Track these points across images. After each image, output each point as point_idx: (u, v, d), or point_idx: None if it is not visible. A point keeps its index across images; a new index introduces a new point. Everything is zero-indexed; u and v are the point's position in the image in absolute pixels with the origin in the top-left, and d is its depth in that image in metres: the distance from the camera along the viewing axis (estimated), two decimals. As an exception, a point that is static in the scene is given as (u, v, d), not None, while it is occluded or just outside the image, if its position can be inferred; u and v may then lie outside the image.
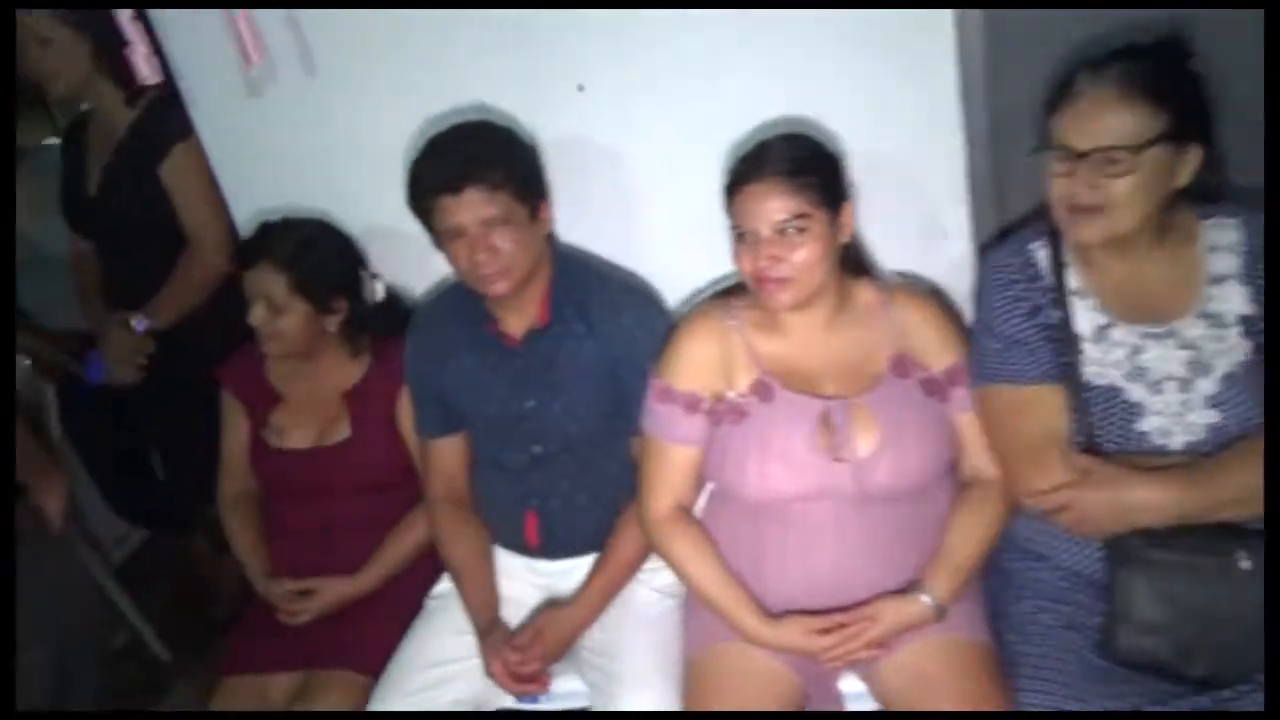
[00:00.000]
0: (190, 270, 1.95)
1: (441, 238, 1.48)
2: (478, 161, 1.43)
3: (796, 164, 1.34)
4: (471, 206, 1.43)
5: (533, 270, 1.51)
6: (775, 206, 1.33)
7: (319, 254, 1.68)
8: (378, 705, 1.51)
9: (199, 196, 1.90)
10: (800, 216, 1.33)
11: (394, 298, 1.82)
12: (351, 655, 1.63)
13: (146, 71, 1.83)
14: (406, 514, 1.75)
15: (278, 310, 1.64)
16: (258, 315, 1.64)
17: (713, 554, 1.43)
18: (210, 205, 1.89)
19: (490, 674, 1.50)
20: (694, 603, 1.52)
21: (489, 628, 1.53)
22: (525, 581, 1.63)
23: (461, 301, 1.62)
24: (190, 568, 2.61)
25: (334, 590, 1.68)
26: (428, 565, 1.73)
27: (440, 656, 1.55)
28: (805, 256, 1.34)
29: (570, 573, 1.61)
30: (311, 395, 1.76)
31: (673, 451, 1.45)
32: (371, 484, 1.73)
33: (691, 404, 1.42)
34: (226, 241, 1.92)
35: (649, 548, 1.55)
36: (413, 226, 1.77)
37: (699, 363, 1.43)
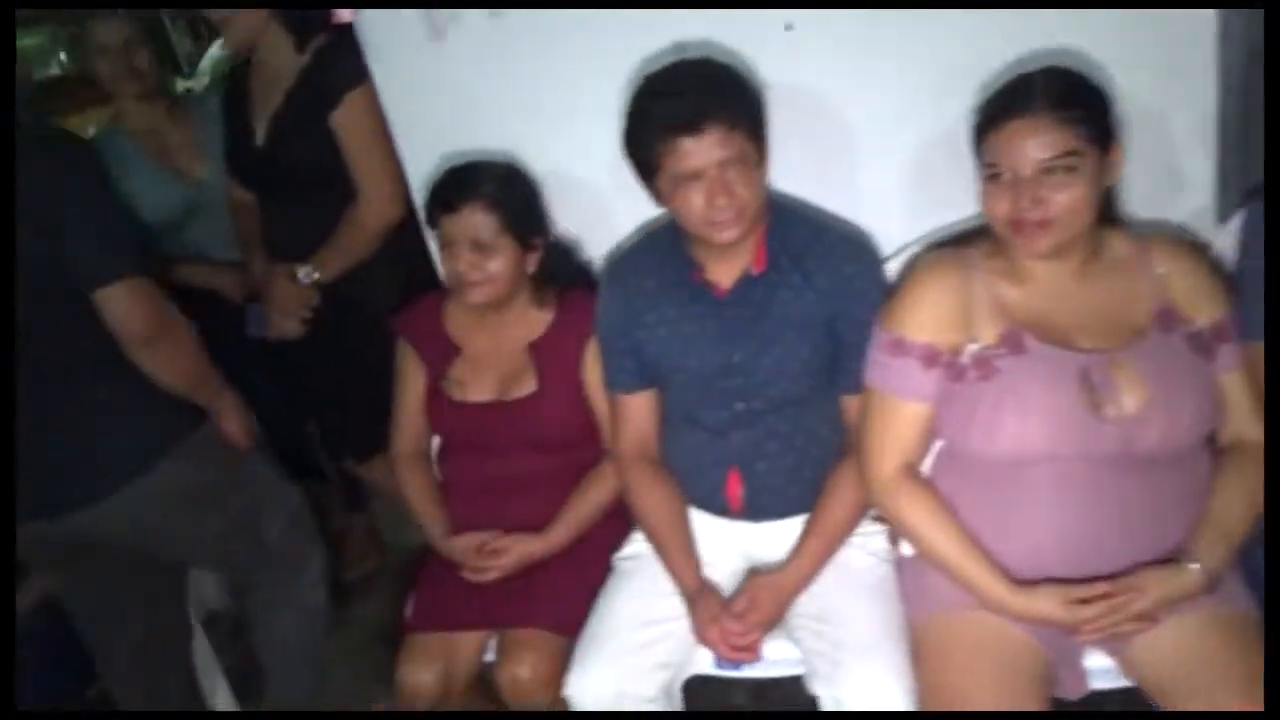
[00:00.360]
0: (361, 221, 1.90)
1: (671, 182, 1.40)
2: (716, 99, 1.35)
3: (1066, 97, 1.24)
4: (712, 147, 1.35)
5: (757, 217, 1.43)
6: (1042, 143, 1.23)
7: (521, 191, 1.63)
8: (580, 667, 1.45)
9: (372, 145, 1.85)
10: (1069, 154, 1.23)
11: (571, 248, 1.76)
12: (545, 614, 1.57)
13: (345, 12, 1.79)
14: (588, 472, 1.69)
15: (487, 253, 1.58)
16: (465, 259, 1.58)
17: (950, 517, 1.34)
18: (384, 154, 1.84)
19: (704, 640, 1.44)
20: (914, 568, 1.45)
21: (698, 592, 1.46)
22: (722, 544, 1.56)
23: (662, 249, 1.55)
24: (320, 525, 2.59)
25: (522, 548, 1.62)
26: (612, 525, 1.69)
27: (644, 618, 1.49)
28: (1071, 199, 1.24)
29: (771, 536, 1.54)
30: (494, 348, 1.70)
31: (904, 408, 1.37)
32: (554, 440, 1.68)
33: (929, 357, 1.34)
34: (399, 192, 1.87)
35: (864, 510, 1.48)
36: (593, 175, 1.72)
37: (937, 313, 1.34)
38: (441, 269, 1.65)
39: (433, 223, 1.64)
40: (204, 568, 1.72)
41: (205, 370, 1.59)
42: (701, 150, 1.35)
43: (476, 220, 1.57)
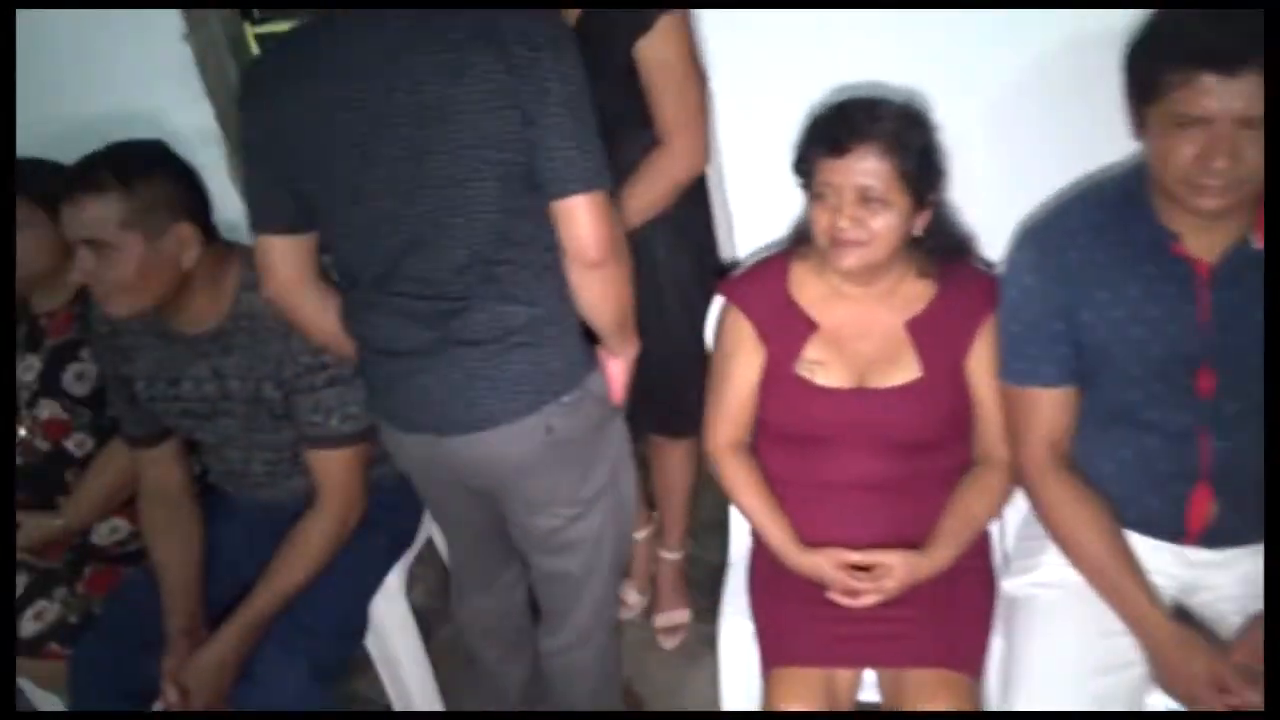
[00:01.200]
0: (667, 171, 1.59)
1: (1165, 120, 1.12)
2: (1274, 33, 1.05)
3: None
4: (1239, 96, 1.06)
5: (1254, 188, 1.14)
6: None
7: (923, 135, 1.34)
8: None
9: (687, 82, 1.55)
10: None
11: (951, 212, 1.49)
12: (951, 653, 1.30)
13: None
14: (957, 478, 1.42)
15: (873, 207, 1.30)
16: (848, 214, 1.30)
17: None
18: (700, 93, 1.55)
19: (1190, 699, 1.17)
20: None
21: (1176, 639, 1.20)
22: (1161, 574, 1.29)
23: (1115, 213, 1.26)
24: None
25: (909, 568, 1.34)
26: (982, 542, 1.44)
27: (1095, 666, 1.22)
28: None
29: (1225, 566, 1.28)
30: (859, 324, 1.41)
31: None
32: (932, 437, 1.40)
33: None
34: (708, 136, 1.58)
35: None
36: (969, 136, 1.45)
37: None
38: (815, 224, 1.36)
39: (804, 168, 1.36)
40: (552, 537, 1.46)
41: (632, 305, 1.34)
42: (1225, 96, 1.07)
43: (868, 166, 1.29)
